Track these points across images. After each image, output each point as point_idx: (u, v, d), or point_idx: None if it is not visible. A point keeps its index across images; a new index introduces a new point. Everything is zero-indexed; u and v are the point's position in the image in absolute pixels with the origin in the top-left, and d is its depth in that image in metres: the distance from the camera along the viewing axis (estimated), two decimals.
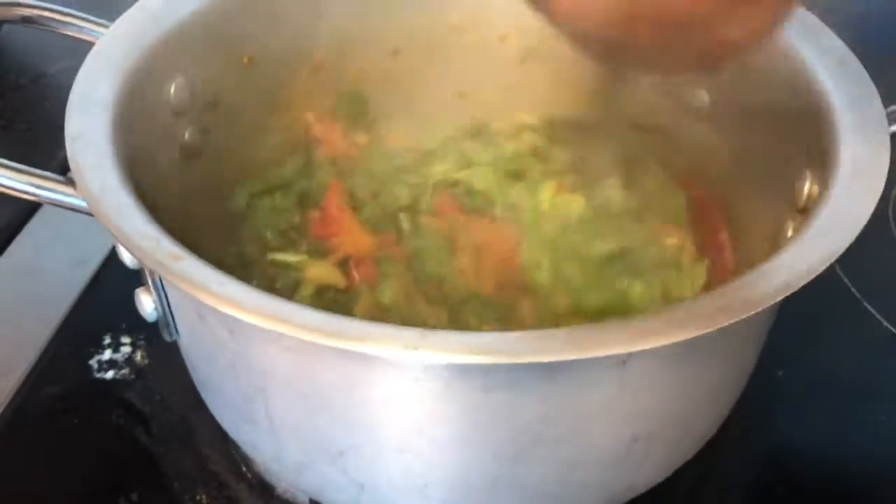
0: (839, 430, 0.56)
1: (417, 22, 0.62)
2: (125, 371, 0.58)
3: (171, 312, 0.47)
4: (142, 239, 0.40)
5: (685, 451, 0.48)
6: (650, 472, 0.47)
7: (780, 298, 0.38)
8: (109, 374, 0.58)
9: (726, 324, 0.36)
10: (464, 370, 0.38)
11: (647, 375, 0.40)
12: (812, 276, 0.38)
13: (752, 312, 0.37)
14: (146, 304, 0.47)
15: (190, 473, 0.53)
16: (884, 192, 0.43)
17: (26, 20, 0.54)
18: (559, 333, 0.36)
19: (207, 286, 0.38)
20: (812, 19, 0.52)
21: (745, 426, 0.52)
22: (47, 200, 0.46)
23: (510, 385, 0.39)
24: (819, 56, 0.50)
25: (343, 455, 0.43)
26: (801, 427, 0.56)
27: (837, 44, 0.50)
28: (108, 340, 0.59)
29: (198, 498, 0.52)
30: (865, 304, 0.61)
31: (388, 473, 0.43)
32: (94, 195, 0.42)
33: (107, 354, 0.59)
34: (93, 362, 0.58)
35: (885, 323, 0.60)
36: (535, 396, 0.39)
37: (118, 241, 0.41)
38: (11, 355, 0.58)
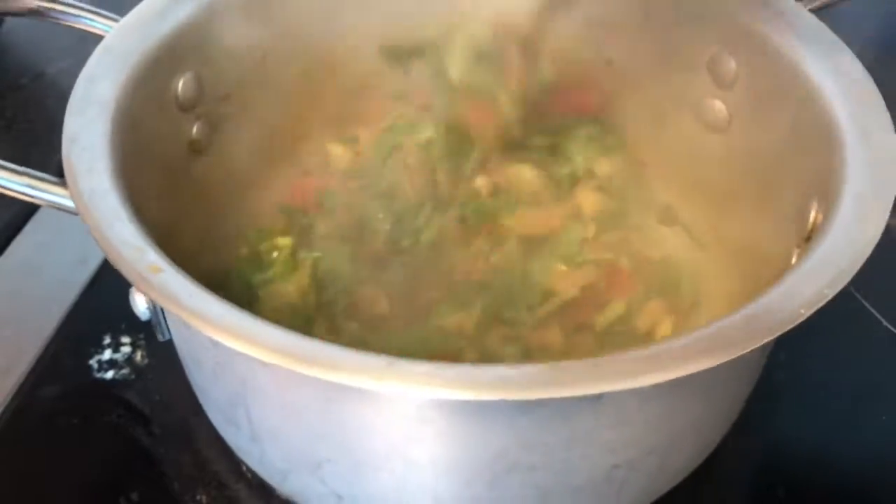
0: (840, 431, 0.56)
1: (428, 21, 0.62)
2: (125, 371, 0.58)
3: (162, 313, 0.47)
4: (124, 248, 0.40)
5: (670, 478, 0.47)
6: (632, 499, 0.46)
7: (765, 341, 0.37)
8: (109, 374, 0.58)
9: (703, 368, 0.35)
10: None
11: (626, 409, 0.39)
12: (806, 316, 0.37)
13: (731, 357, 0.36)
14: (140, 303, 0.46)
15: (190, 473, 0.53)
16: None
17: (34, 13, 0.53)
18: (529, 370, 0.35)
19: (180, 301, 0.38)
20: (831, 37, 0.51)
21: (745, 427, 0.52)
22: (43, 202, 0.45)
23: (483, 413, 0.38)
24: (834, 79, 0.48)
25: (321, 466, 0.43)
26: (801, 428, 0.56)
27: (855, 66, 0.49)
28: (108, 340, 0.59)
29: (198, 498, 0.52)
30: (865, 304, 0.61)
31: (366, 487, 0.43)
32: (83, 200, 0.42)
33: (107, 354, 0.59)
34: (93, 362, 0.58)
35: (886, 323, 0.60)
36: (508, 425, 0.38)
37: (100, 248, 0.41)
38: (11, 355, 0.58)
